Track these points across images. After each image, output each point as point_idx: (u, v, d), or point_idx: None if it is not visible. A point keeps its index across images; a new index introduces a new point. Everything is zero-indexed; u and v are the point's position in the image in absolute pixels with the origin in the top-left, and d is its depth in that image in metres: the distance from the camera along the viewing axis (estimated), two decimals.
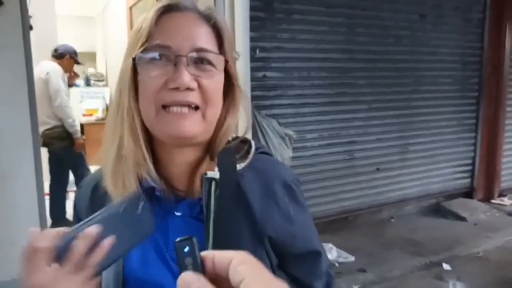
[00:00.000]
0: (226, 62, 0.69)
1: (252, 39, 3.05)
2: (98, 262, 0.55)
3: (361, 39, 3.80)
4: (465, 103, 4.54)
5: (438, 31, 4.21)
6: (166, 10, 0.67)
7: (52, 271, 0.53)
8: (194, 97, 0.64)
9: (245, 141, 0.75)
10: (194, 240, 0.38)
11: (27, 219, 2.67)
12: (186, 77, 0.63)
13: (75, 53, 3.81)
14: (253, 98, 3.19)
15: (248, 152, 0.73)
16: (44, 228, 2.52)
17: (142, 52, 0.65)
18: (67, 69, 3.75)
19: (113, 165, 0.68)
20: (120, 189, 0.68)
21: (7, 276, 2.56)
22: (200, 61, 0.66)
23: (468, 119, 4.58)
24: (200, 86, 0.65)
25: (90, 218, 0.57)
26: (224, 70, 0.69)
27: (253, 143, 0.76)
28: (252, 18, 3.00)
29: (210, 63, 0.66)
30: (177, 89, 0.63)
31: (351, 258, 3.22)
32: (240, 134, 0.77)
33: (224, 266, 0.35)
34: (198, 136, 0.67)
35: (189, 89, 0.63)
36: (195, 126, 0.65)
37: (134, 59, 0.65)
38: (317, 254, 0.72)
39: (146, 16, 0.67)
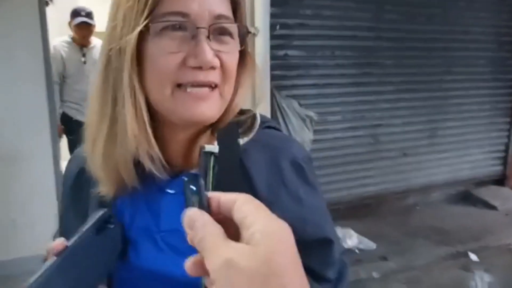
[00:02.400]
0: (244, 32, 0.60)
1: (272, 15, 2.93)
2: None
3: (389, 17, 3.61)
4: (499, 86, 4.30)
5: (471, 9, 3.97)
6: None
7: None
8: (215, 76, 0.57)
9: (250, 115, 0.67)
10: (201, 180, 0.38)
11: (44, 201, 2.68)
12: (210, 54, 0.55)
13: None
14: (273, 77, 3.08)
15: (253, 125, 0.66)
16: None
17: (152, 20, 0.54)
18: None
19: (103, 155, 0.60)
20: (110, 179, 0.61)
21: (30, 253, 2.60)
22: (220, 32, 0.57)
23: (502, 102, 4.34)
24: (221, 63, 0.57)
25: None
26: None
27: (258, 116, 0.67)
28: None
29: (230, 33, 0.58)
30: (199, 67, 0.55)
31: (373, 245, 3.12)
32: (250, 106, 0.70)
33: (229, 206, 0.35)
34: (215, 117, 0.60)
35: (211, 67, 0.56)
36: (214, 108, 0.59)
37: (141, 30, 0.54)
38: (329, 242, 0.64)
39: None
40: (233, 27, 0.59)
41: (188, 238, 0.35)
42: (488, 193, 4.17)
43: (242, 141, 0.63)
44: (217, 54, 0.56)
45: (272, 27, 2.99)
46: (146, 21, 0.54)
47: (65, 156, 3.11)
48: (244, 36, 0.61)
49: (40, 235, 2.67)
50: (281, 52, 3.22)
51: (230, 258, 0.31)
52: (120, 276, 0.64)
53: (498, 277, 2.79)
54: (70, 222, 0.70)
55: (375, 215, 3.70)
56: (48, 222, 2.69)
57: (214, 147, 0.59)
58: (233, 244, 0.32)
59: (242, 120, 0.66)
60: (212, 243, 0.33)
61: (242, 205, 0.35)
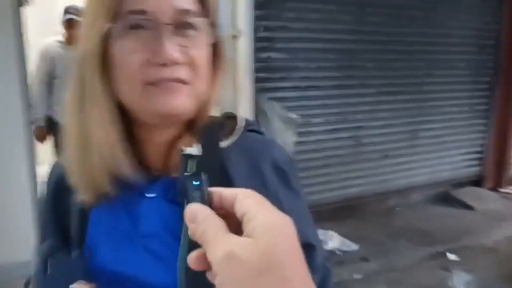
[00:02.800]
0: (213, 25, 0.59)
1: (256, 18, 2.91)
2: None
3: (371, 20, 3.64)
4: (478, 88, 4.39)
5: (453, 13, 4.03)
6: None
7: None
8: (183, 72, 0.56)
9: (233, 118, 0.66)
10: (204, 175, 0.39)
11: (20, 206, 2.61)
12: (171, 50, 0.54)
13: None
14: (257, 80, 3.06)
15: (233, 129, 0.65)
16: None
17: (113, 22, 0.54)
18: None
19: (77, 160, 0.59)
20: (87, 186, 0.60)
21: (3, 261, 2.52)
22: (185, 27, 0.56)
23: (480, 105, 4.43)
24: (188, 58, 0.56)
25: None
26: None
27: (240, 119, 0.67)
28: None
29: (196, 27, 0.57)
30: (163, 64, 0.54)
31: (355, 247, 3.14)
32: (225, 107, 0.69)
33: (230, 201, 0.36)
34: (188, 113, 0.59)
35: (176, 63, 0.55)
36: (187, 101, 0.57)
37: (103, 33, 0.54)
38: (311, 248, 0.62)
39: None
40: (199, 21, 0.57)
41: (190, 232, 0.35)
42: (466, 194, 4.25)
43: (224, 144, 0.62)
44: (182, 50, 0.55)
45: (256, 29, 2.98)
46: (106, 22, 0.53)
47: (43, 159, 3.04)
48: (214, 30, 0.59)
49: (16, 241, 2.60)
50: (264, 55, 3.21)
51: (232, 250, 0.31)
52: (98, 283, 0.63)
53: (477, 277, 2.85)
54: (50, 232, 0.69)
55: (357, 217, 3.73)
56: (24, 227, 2.62)
57: (193, 149, 0.58)
58: (234, 237, 0.33)
59: (224, 123, 0.65)
60: (214, 236, 0.33)
61: (244, 200, 0.35)
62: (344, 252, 3.09)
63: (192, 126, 0.63)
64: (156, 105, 0.56)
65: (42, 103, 3.17)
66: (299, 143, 3.34)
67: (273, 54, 3.28)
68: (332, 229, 3.21)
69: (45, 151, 3.25)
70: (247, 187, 0.57)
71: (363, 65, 3.68)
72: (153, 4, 0.54)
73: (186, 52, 0.56)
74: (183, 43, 0.56)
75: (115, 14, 0.54)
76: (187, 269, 0.35)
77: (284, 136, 3.02)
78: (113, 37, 0.55)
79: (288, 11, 3.28)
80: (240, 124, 0.65)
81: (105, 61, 0.56)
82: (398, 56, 3.83)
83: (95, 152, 0.57)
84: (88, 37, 0.56)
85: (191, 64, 0.57)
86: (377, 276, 2.88)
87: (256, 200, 0.35)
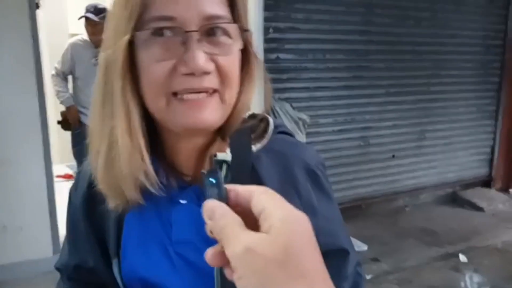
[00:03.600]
0: (243, 30, 0.56)
1: (265, 19, 2.93)
2: None
3: (379, 21, 3.65)
4: (486, 89, 4.38)
5: (460, 13, 4.03)
6: None
7: None
8: (211, 81, 0.53)
9: (262, 119, 0.65)
10: (220, 172, 0.39)
11: (35, 206, 2.64)
12: (201, 59, 0.51)
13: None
14: None
15: (265, 131, 0.63)
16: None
17: (138, 28, 0.52)
18: None
19: (104, 167, 0.58)
20: (115, 193, 0.59)
21: (18, 259, 2.55)
22: (214, 33, 0.53)
23: (488, 105, 4.42)
24: (217, 66, 0.53)
25: None
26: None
27: (271, 121, 0.65)
28: None
29: (225, 33, 0.54)
30: (191, 74, 0.52)
31: (364, 247, 3.14)
32: (257, 111, 0.67)
33: (246, 198, 0.36)
34: (218, 123, 0.57)
35: (205, 72, 0.52)
36: (215, 113, 0.55)
37: (129, 39, 0.52)
38: (345, 253, 0.61)
39: None
40: (228, 26, 0.54)
41: (207, 229, 0.36)
42: (475, 195, 4.23)
43: (255, 147, 0.61)
44: (211, 58, 0.53)
45: (265, 30, 3.00)
46: (134, 30, 0.52)
47: (56, 159, 3.07)
48: (244, 35, 0.57)
49: (30, 240, 2.63)
50: (273, 55, 3.23)
51: (250, 245, 0.32)
52: None
53: (486, 277, 2.84)
54: (83, 243, 0.69)
55: (365, 217, 3.73)
56: (39, 227, 2.65)
57: (226, 155, 0.58)
58: (252, 233, 0.33)
59: (255, 126, 0.63)
60: (232, 232, 0.33)
61: (260, 196, 0.35)
62: None
63: (223, 131, 0.61)
64: (182, 119, 0.54)
65: (64, 88, 3.21)
66: (307, 143, 3.35)
67: (282, 55, 3.30)
68: None
69: (60, 151, 3.28)
70: (279, 191, 0.57)
71: (371, 65, 3.69)
72: (181, 10, 0.51)
73: (215, 60, 0.53)
74: (212, 50, 0.53)
75: (141, 19, 0.52)
76: (222, 276, 0.36)
77: (295, 137, 3.04)
78: (139, 44, 0.53)
79: (297, 12, 3.30)
80: (271, 126, 0.64)
81: (131, 67, 0.54)
82: (406, 57, 3.84)
83: (121, 159, 0.56)
84: (113, 43, 0.54)
85: (219, 72, 0.54)
86: (387, 276, 2.88)
87: (272, 196, 0.36)
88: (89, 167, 0.66)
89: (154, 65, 0.52)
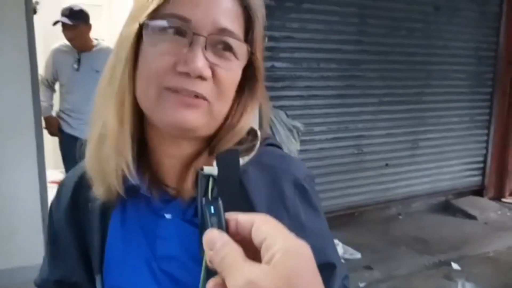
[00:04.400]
0: (252, 53, 0.57)
1: None
2: None
3: (372, 31, 3.70)
4: (478, 99, 4.43)
5: (452, 24, 4.10)
6: None
7: None
8: (204, 88, 0.54)
9: (249, 131, 0.64)
10: (220, 201, 0.39)
11: (28, 211, 2.63)
12: (201, 62, 0.52)
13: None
14: None
15: (253, 144, 0.62)
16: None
17: (152, 18, 0.53)
18: None
19: (93, 149, 0.58)
20: (100, 178, 0.58)
21: (10, 265, 2.54)
22: (221, 46, 0.54)
23: (480, 115, 4.48)
24: (214, 76, 0.54)
25: None
26: (247, 61, 0.58)
27: (259, 133, 0.64)
28: None
29: (231, 50, 0.55)
30: (187, 74, 0.52)
31: (358, 255, 3.15)
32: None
33: (247, 227, 0.36)
34: (200, 130, 0.57)
35: (201, 77, 0.53)
36: (199, 118, 0.55)
37: (141, 26, 0.53)
38: (332, 267, 0.61)
39: None
40: (238, 45, 0.55)
41: (208, 259, 0.35)
42: (467, 203, 4.26)
43: (242, 160, 0.60)
44: (211, 66, 0.53)
45: None
46: (148, 17, 0.53)
47: (50, 165, 3.05)
48: (253, 58, 0.57)
49: (23, 246, 2.61)
50: (268, 64, 3.26)
51: (251, 278, 0.31)
52: None
53: (478, 286, 2.85)
54: (65, 257, 0.67)
55: (358, 225, 3.74)
56: (31, 233, 2.64)
57: (212, 169, 0.55)
58: (254, 264, 0.32)
59: (243, 138, 0.62)
60: (233, 263, 0.33)
61: (261, 226, 0.35)
62: (347, 260, 3.09)
63: (212, 144, 0.60)
64: (167, 114, 0.54)
65: (46, 97, 3.05)
66: (302, 151, 3.37)
67: (277, 64, 3.33)
68: (334, 237, 3.22)
69: (54, 157, 3.26)
70: (266, 206, 0.58)
71: (365, 75, 3.73)
72: (199, 15, 0.52)
73: (214, 70, 0.54)
74: (213, 60, 0.54)
75: (157, 11, 0.53)
76: None
77: (288, 144, 3.06)
78: (147, 33, 0.54)
79: (292, 22, 3.34)
80: (259, 139, 0.63)
81: (135, 55, 0.55)
82: (399, 67, 3.89)
83: (108, 142, 0.56)
84: (127, 28, 0.56)
85: (216, 83, 0.55)
86: (380, 284, 2.89)
87: (273, 226, 0.35)
88: (74, 175, 0.66)
89: (156, 57, 0.53)
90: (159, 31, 0.53)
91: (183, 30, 0.53)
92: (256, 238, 0.34)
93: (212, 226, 0.37)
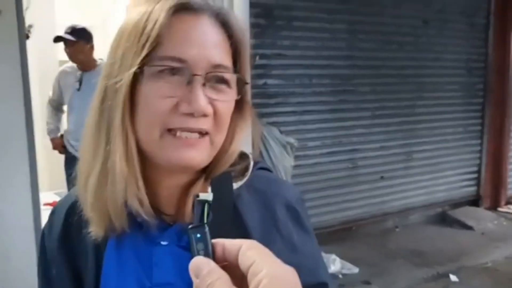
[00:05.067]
0: (242, 82, 0.60)
1: (252, 46, 2.99)
2: None
3: (363, 46, 3.75)
4: (470, 110, 4.48)
5: (442, 37, 4.16)
6: (177, 10, 0.56)
7: None
8: (207, 124, 0.56)
9: (242, 156, 0.66)
10: (206, 227, 0.39)
11: (20, 234, 2.61)
12: (203, 101, 0.54)
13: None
14: (254, 105, 3.13)
15: (246, 169, 0.64)
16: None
17: (149, 62, 0.54)
18: None
19: (94, 192, 0.59)
20: (101, 219, 0.59)
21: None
22: (216, 80, 0.57)
23: (473, 125, 4.51)
24: (214, 111, 0.57)
25: None
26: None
27: (251, 158, 0.67)
28: (252, 25, 2.96)
29: (226, 82, 0.58)
30: (190, 114, 0.54)
31: (355, 270, 3.14)
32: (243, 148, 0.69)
33: (233, 252, 0.36)
34: (204, 164, 0.59)
35: (204, 115, 0.55)
36: (203, 154, 0.57)
37: (138, 69, 0.54)
38: (324, 286, 0.62)
39: (149, 14, 0.55)
40: (231, 77, 0.58)
41: (195, 287, 0.35)
42: (464, 214, 4.27)
43: (236, 185, 0.62)
44: (211, 102, 0.56)
45: (252, 57, 3.07)
46: (142, 63, 0.54)
47: (45, 186, 3.04)
48: (242, 86, 0.60)
49: (15, 270, 2.58)
50: (261, 81, 3.30)
51: None
52: None
53: None
54: (60, 273, 0.67)
55: (356, 239, 3.74)
56: (24, 257, 2.61)
57: (208, 195, 0.56)
58: None
59: (235, 163, 0.64)
60: None
61: (247, 251, 0.35)
62: (345, 275, 3.08)
63: (208, 171, 0.62)
64: (173, 156, 0.56)
65: (52, 118, 3.22)
66: (296, 166, 3.38)
67: (269, 81, 3.36)
68: (332, 252, 3.21)
69: (49, 178, 3.26)
70: (260, 229, 0.60)
71: (357, 89, 3.77)
72: (191, 54, 0.55)
73: (214, 105, 0.56)
74: (212, 96, 0.56)
75: (151, 55, 0.54)
76: None
77: (282, 160, 3.07)
78: (145, 77, 0.54)
79: (283, 39, 3.39)
80: (251, 164, 0.65)
81: (131, 98, 0.56)
82: (391, 80, 3.93)
83: (117, 185, 0.57)
84: (117, 73, 0.56)
85: (215, 116, 0.57)
86: None
87: (260, 251, 0.35)
88: (65, 203, 0.67)
89: (158, 100, 0.54)
90: (156, 74, 0.55)
91: (181, 71, 0.55)
92: (243, 263, 0.34)
93: (198, 252, 0.37)
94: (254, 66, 3.15)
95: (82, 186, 0.61)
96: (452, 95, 4.33)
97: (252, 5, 2.95)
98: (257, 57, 3.22)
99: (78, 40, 2.91)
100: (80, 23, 3.20)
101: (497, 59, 4.45)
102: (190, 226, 0.39)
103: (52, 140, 3.26)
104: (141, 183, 0.57)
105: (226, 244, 0.37)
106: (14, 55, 2.54)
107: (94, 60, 3.05)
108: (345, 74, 3.69)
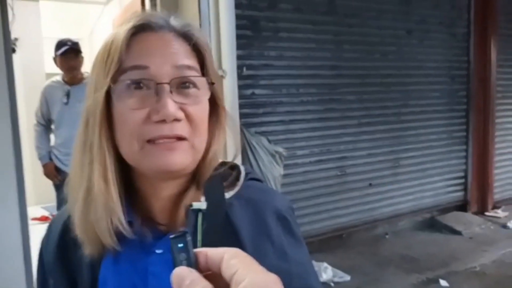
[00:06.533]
0: (210, 83, 0.62)
1: (239, 57, 3.04)
2: None
3: (348, 56, 3.82)
4: (455, 116, 4.56)
5: (424, 46, 4.26)
6: (138, 31, 0.59)
7: None
8: (181, 129, 0.58)
9: (233, 167, 0.69)
10: (188, 236, 0.38)
11: (7, 249, 2.56)
12: (172, 107, 0.56)
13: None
14: (242, 116, 3.15)
15: (237, 179, 0.67)
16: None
17: (115, 80, 0.57)
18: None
19: (81, 212, 0.60)
20: (90, 237, 0.60)
21: None
22: (184, 86, 0.59)
23: (458, 131, 4.60)
24: (186, 115, 0.58)
25: None
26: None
27: (242, 168, 0.69)
28: (238, 37, 2.99)
29: (194, 85, 0.60)
30: (162, 121, 0.56)
31: (347, 278, 3.14)
32: (229, 157, 0.71)
33: (216, 261, 0.35)
34: (188, 168, 0.61)
35: (176, 120, 0.57)
36: (185, 157, 0.59)
37: (107, 91, 0.57)
38: None
39: (113, 38, 0.58)
40: (197, 79, 0.60)
41: None
42: (452, 219, 4.31)
43: (228, 194, 0.63)
44: (181, 107, 0.57)
45: (239, 68, 3.10)
46: (110, 83, 0.56)
47: (32, 201, 3.00)
48: (211, 87, 0.62)
49: (3, 282, 2.53)
50: (248, 91, 3.33)
51: None
52: None
53: None
54: (57, 281, 0.68)
55: (347, 247, 3.75)
56: (12, 272, 2.56)
57: (201, 204, 0.60)
58: None
59: (227, 173, 0.66)
60: None
61: (230, 260, 0.35)
62: (337, 283, 3.08)
63: (196, 179, 0.64)
64: (155, 163, 0.57)
65: (42, 143, 3.12)
66: (285, 175, 3.40)
67: (257, 91, 3.39)
68: (323, 260, 3.22)
69: (36, 193, 3.22)
70: (252, 237, 0.61)
71: (343, 98, 3.82)
72: (153, 61, 0.57)
73: (185, 109, 0.58)
74: (182, 100, 0.58)
75: (119, 71, 0.57)
76: None
77: (271, 170, 3.08)
78: (115, 95, 0.57)
79: (270, 50, 3.43)
80: (242, 174, 0.67)
81: (108, 117, 0.58)
82: (376, 89, 3.99)
83: (97, 204, 0.58)
84: (93, 94, 0.59)
85: (189, 120, 0.59)
86: None
87: (243, 260, 0.35)
88: (61, 217, 0.68)
89: (129, 113, 0.57)
90: (124, 90, 0.57)
91: (146, 83, 0.57)
92: (226, 272, 0.34)
93: (181, 262, 0.37)
94: (242, 77, 3.18)
95: (71, 207, 0.62)
96: (436, 102, 4.41)
97: (238, 17, 3.01)
98: (244, 68, 3.25)
99: (81, 52, 3.01)
100: (68, 36, 3.21)
101: (478, 66, 4.56)
102: (171, 236, 0.38)
103: (44, 166, 3.14)
104: (117, 202, 0.58)
105: (209, 253, 0.36)
106: (0, 68, 2.53)
107: (82, 74, 3.09)
108: (331, 84, 3.74)
